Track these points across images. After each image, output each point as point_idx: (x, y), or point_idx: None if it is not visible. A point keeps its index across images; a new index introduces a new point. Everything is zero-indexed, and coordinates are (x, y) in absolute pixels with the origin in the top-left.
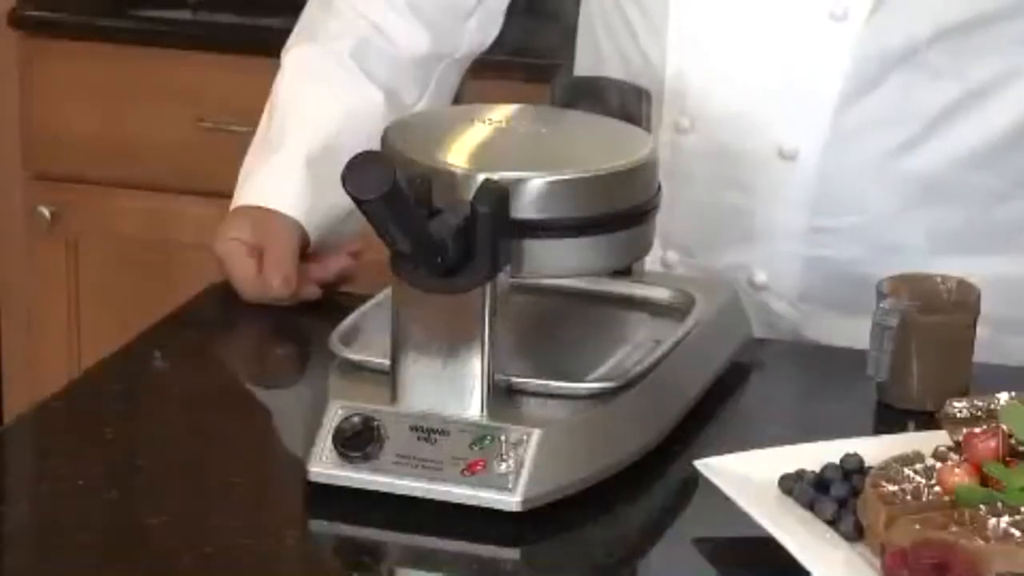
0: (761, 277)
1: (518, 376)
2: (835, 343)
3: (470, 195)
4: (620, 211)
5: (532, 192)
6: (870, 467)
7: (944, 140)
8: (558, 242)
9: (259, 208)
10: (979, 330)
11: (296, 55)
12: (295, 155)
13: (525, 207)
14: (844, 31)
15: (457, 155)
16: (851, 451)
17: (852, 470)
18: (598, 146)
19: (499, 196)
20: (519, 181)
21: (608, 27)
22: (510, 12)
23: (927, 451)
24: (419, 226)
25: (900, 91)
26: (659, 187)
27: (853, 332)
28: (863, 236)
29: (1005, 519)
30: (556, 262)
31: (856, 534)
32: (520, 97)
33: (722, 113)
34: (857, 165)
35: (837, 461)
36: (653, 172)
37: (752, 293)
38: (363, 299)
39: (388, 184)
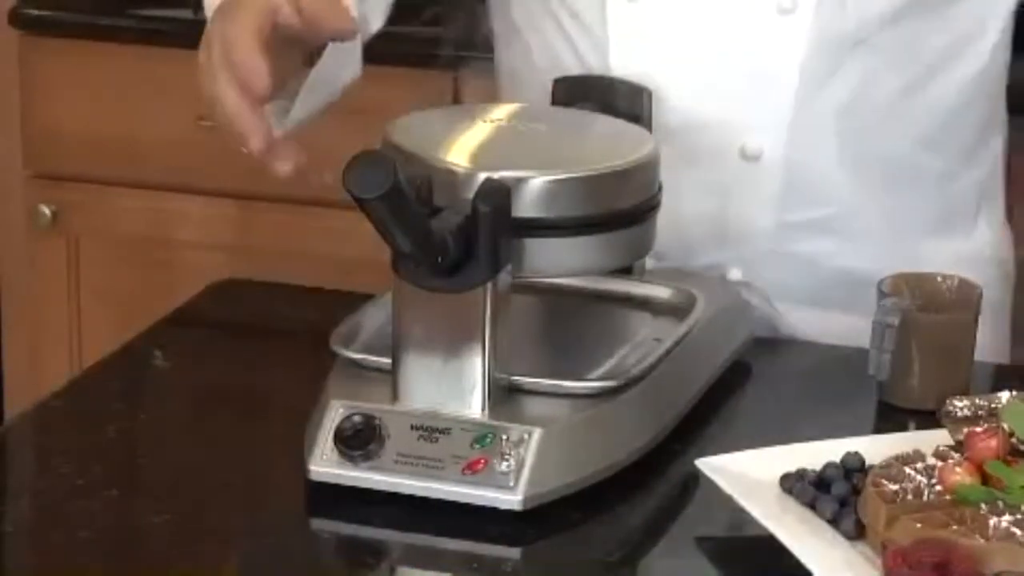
0: (735, 274)
1: (519, 375)
2: (810, 338)
3: (471, 194)
4: (621, 210)
5: (533, 191)
6: (871, 466)
7: (899, 122)
8: (559, 241)
9: None
10: None
11: None
12: None
13: (526, 206)
14: (794, 24)
15: (458, 154)
16: (852, 450)
17: (853, 469)
18: (599, 145)
19: (500, 195)
20: (520, 180)
21: (542, 40)
22: None
23: (928, 450)
24: (420, 225)
25: (856, 78)
26: (660, 186)
27: (829, 327)
28: (830, 227)
29: (1006, 518)
30: (557, 261)
31: (857, 533)
32: None
33: (680, 120)
34: (820, 157)
35: (838, 460)
36: (654, 170)
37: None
38: (364, 298)
39: (389, 183)
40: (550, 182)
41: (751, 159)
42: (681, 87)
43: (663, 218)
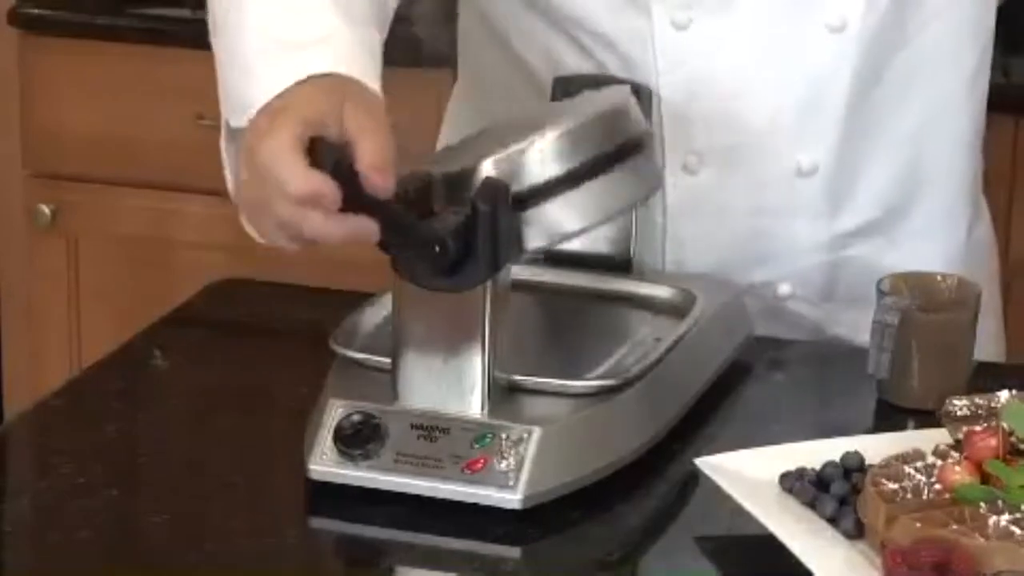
0: (785, 289)
1: (519, 374)
2: (860, 337)
3: (471, 193)
4: (617, 147)
5: (536, 157)
6: (870, 465)
7: (949, 118)
8: (573, 194)
9: (322, 77)
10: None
11: None
12: (352, 31)
13: (532, 174)
14: (844, 40)
15: (458, 153)
16: (851, 449)
17: (852, 468)
18: (576, 106)
19: (499, 194)
20: (519, 153)
21: (545, 55)
22: None
23: (927, 449)
24: (403, 219)
25: (902, 79)
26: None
27: None
28: (879, 230)
29: (1005, 517)
30: (577, 215)
31: (856, 532)
32: None
33: (732, 145)
34: (870, 163)
35: (837, 459)
36: (634, 108)
37: (776, 302)
38: (364, 298)
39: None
40: (552, 141)
41: (807, 175)
42: (734, 111)
43: (712, 243)
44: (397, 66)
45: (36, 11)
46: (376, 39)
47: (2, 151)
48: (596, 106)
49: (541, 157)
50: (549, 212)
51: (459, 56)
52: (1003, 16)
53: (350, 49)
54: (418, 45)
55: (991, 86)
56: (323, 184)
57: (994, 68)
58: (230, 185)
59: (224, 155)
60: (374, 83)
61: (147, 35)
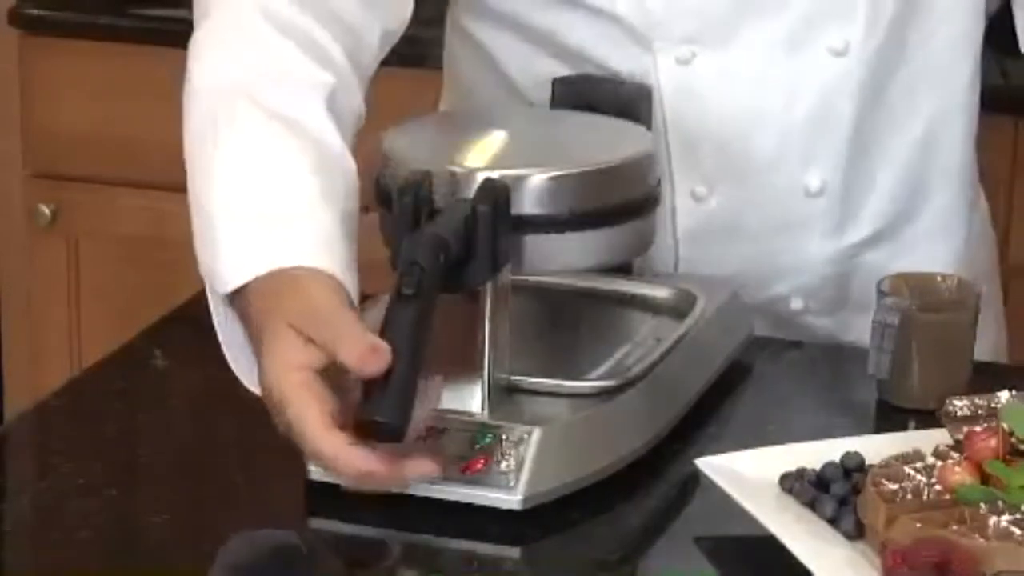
0: (797, 304)
1: (519, 374)
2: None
3: (471, 194)
4: (619, 204)
5: (532, 188)
6: (871, 465)
7: (952, 124)
8: (558, 237)
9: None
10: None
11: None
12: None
13: (525, 203)
14: (847, 63)
15: (457, 155)
16: (852, 449)
17: (852, 468)
18: (596, 142)
19: (499, 195)
20: (519, 178)
21: (532, 71)
22: None
23: (927, 449)
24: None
25: (905, 94)
26: (659, 180)
27: None
28: (887, 236)
29: (1005, 517)
30: (557, 257)
31: (856, 532)
32: None
33: (740, 171)
34: (875, 178)
35: (837, 459)
36: (652, 165)
37: (789, 315)
38: (364, 298)
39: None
40: (548, 179)
41: (815, 196)
42: (740, 138)
43: (723, 265)
44: (397, 66)
45: (36, 11)
46: (349, 211)
47: (2, 151)
48: (622, 147)
49: (539, 193)
50: (530, 244)
51: (445, 76)
52: (1002, 18)
53: (316, 236)
54: (418, 45)
55: (990, 87)
56: (373, 464)
57: (993, 70)
58: (229, 358)
59: (214, 314)
60: (334, 264)
61: (147, 35)
